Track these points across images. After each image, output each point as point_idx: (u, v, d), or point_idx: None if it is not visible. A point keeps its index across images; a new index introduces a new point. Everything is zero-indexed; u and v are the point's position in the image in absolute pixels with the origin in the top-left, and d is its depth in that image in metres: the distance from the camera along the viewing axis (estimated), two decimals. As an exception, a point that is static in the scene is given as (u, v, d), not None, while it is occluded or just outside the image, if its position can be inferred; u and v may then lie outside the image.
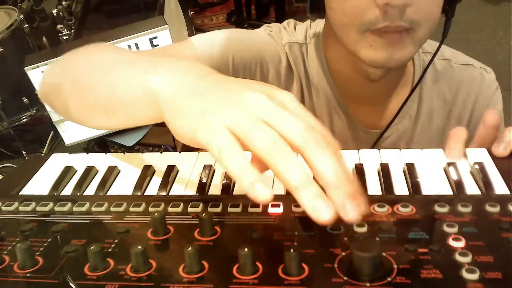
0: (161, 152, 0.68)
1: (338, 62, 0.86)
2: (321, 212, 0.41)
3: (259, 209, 0.52)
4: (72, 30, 2.22)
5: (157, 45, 1.78)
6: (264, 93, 0.47)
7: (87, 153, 0.70)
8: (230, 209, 0.53)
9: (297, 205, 0.52)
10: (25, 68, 1.70)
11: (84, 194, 0.61)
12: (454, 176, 0.57)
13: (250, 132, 0.44)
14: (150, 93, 0.53)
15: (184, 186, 0.61)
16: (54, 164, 0.67)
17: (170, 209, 0.54)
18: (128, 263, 0.45)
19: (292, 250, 0.42)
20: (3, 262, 0.48)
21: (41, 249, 0.49)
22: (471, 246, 0.44)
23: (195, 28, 3.19)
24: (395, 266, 0.43)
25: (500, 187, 0.55)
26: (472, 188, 0.55)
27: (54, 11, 2.34)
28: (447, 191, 0.55)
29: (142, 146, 2.25)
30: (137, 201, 0.56)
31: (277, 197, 0.54)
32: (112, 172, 0.63)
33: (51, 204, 0.56)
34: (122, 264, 0.46)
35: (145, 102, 0.54)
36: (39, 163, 0.68)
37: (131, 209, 0.55)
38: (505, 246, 0.44)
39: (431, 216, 0.49)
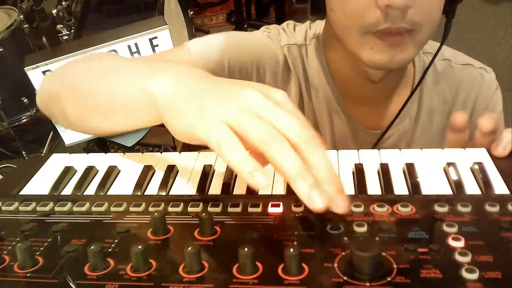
0: (161, 152, 0.68)
1: (338, 62, 0.86)
2: (315, 201, 0.45)
3: (259, 209, 0.52)
4: (72, 30, 2.22)
5: (157, 45, 1.78)
6: (260, 91, 0.49)
7: (87, 153, 0.70)
8: (230, 209, 0.53)
9: (297, 205, 0.52)
10: (25, 68, 1.70)
11: (84, 194, 0.61)
12: (453, 176, 0.57)
13: (248, 126, 0.47)
14: (150, 97, 0.55)
15: (184, 186, 0.61)
16: (54, 164, 0.67)
17: (170, 209, 0.54)
18: (128, 263, 0.46)
19: (292, 250, 0.42)
20: (3, 262, 0.48)
21: (41, 249, 0.49)
22: (471, 246, 0.44)
23: (195, 28, 3.19)
24: (395, 266, 0.43)
25: (499, 187, 0.55)
26: (471, 188, 0.55)
27: (54, 11, 2.34)
28: (447, 191, 0.56)
29: (142, 146, 2.25)
30: (137, 201, 0.56)
31: (277, 197, 0.55)
32: (112, 172, 0.63)
33: (51, 204, 0.56)
34: (122, 264, 0.46)
35: (144, 105, 0.56)
36: (39, 163, 0.68)
37: (131, 209, 0.55)
38: (505, 245, 0.44)
39: (431, 216, 0.49)
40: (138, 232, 0.51)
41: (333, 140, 0.91)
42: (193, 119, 0.50)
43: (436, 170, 0.59)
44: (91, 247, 0.45)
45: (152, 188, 0.61)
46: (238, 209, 0.53)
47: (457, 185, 0.55)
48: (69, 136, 1.84)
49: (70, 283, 0.44)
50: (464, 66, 0.92)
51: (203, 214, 0.49)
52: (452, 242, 0.45)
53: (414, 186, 0.56)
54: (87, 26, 2.35)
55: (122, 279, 0.44)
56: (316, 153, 0.47)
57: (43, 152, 2.76)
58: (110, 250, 0.48)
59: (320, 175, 0.46)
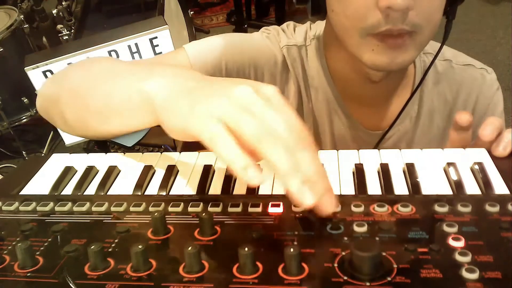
0: (161, 152, 0.68)
1: (338, 63, 0.86)
2: (305, 197, 0.46)
3: (259, 209, 0.52)
4: (72, 30, 2.23)
5: (157, 45, 1.78)
6: (251, 87, 0.50)
7: (87, 153, 0.70)
8: (230, 209, 0.53)
9: (297, 205, 0.52)
10: (25, 68, 1.70)
11: (84, 194, 0.61)
12: (454, 176, 0.57)
13: (240, 121, 0.48)
14: (146, 98, 0.56)
15: (184, 186, 0.61)
16: (54, 164, 0.67)
17: (170, 209, 0.54)
18: (128, 262, 0.46)
19: (292, 250, 0.42)
20: (3, 262, 0.48)
21: (42, 248, 0.49)
22: (471, 246, 0.44)
23: (195, 28, 3.19)
24: (395, 266, 0.43)
25: (499, 187, 0.55)
26: (472, 188, 0.55)
27: (54, 11, 2.34)
28: (447, 191, 0.56)
29: (142, 146, 2.25)
30: (137, 201, 0.56)
31: (277, 197, 0.55)
32: (112, 172, 0.63)
33: (51, 204, 0.56)
34: (122, 264, 0.46)
35: (141, 107, 0.58)
36: (39, 163, 0.68)
37: (131, 209, 0.55)
38: (505, 245, 0.44)
39: (431, 216, 0.49)
40: (138, 232, 0.51)
41: (333, 141, 0.92)
42: (187, 116, 0.51)
43: (436, 170, 0.59)
44: (91, 247, 0.45)
45: (152, 188, 0.61)
46: (238, 209, 0.53)
47: (457, 185, 0.55)
48: (69, 136, 1.84)
49: (70, 283, 0.44)
50: (465, 67, 0.92)
51: (203, 214, 0.49)
52: (452, 242, 0.45)
53: (414, 186, 0.56)
54: (87, 26, 2.35)
55: (122, 279, 0.44)
56: (305, 152, 0.47)
57: (43, 152, 2.76)
58: (110, 250, 0.48)
59: (309, 175, 0.47)
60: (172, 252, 0.48)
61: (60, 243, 0.50)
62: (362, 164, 0.61)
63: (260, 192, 0.58)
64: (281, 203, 0.53)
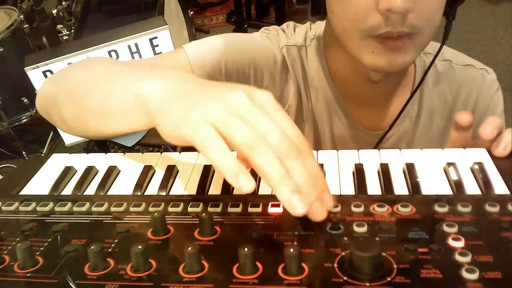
0: (161, 152, 0.68)
1: (338, 63, 0.86)
2: (296, 207, 0.46)
3: (259, 209, 0.52)
4: (72, 30, 2.23)
5: (157, 45, 1.78)
6: (246, 93, 0.50)
7: (87, 153, 0.70)
8: (230, 209, 0.53)
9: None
10: (25, 68, 1.70)
11: (84, 194, 0.61)
12: (454, 176, 0.57)
13: (232, 128, 0.48)
14: (142, 100, 0.57)
15: (184, 186, 0.61)
16: (54, 164, 0.67)
17: (170, 209, 0.54)
18: (128, 263, 0.46)
19: (292, 250, 0.42)
20: (3, 262, 0.48)
21: (41, 249, 0.49)
22: (471, 246, 0.44)
23: (195, 28, 3.19)
24: (395, 266, 0.43)
25: (499, 187, 0.55)
26: (472, 188, 0.55)
27: (54, 11, 2.34)
28: (447, 191, 0.56)
29: (142, 146, 2.25)
30: (137, 201, 0.56)
31: (277, 197, 0.55)
32: (112, 172, 0.63)
33: (51, 204, 0.56)
34: (122, 264, 0.46)
35: (137, 109, 0.58)
36: (39, 163, 0.68)
37: (131, 209, 0.55)
38: (505, 245, 0.44)
39: (431, 216, 0.49)
40: (138, 232, 0.51)
41: (333, 141, 0.91)
42: (180, 120, 0.51)
43: (436, 170, 0.59)
44: (91, 247, 0.45)
45: (152, 188, 0.61)
46: (238, 209, 0.53)
47: (457, 185, 0.55)
48: (69, 136, 1.84)
49: (70, 283, 0.44)
50: (465, 67, 0.92)
51: (203, 214, 0.49)
52: (452, 242, 0.45)
53: (414, 186, 0.56)
54: (87, 26, 2.35)
55: (122, 279, 0.44)
56: (295, 161, 0.47)
57: (43, 152, 2.76)
58: (110, 250, 0.48)
59: (298, 184, 0.47)
60: (172, 252, 0.48)
61: (60, 243, 0.50)
62: (362, 164, 0.61)
63: (260, 192, 0.58)
64: (281, 203, 0.53)
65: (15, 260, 0.47)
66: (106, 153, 0.69)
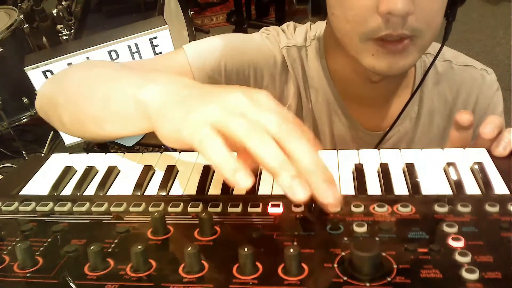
0: (161, 152, 0.68)
1: (338, 64, 0.86)
2: (297, 192, 0.45)
3: (259, 209, 0.52)
4: (72, 30, 2.23)
5: (157, 45, 1.78)
6: (243, 94, 0.51)
7: (87, 153, 0.70)
8: (230, 209, 0.53)
9: (297, 205, 0.52)
10: (25, 68, 1.70)
11: (84, 194, 0.61)
12: (453, 176, 0.57)
13: (229, 122, 0.48)
14: (141, 105, 0.57)
15: (184, 186, 0.61)
16: (54, 164, 0.67)
17: (170, 209, 0.54)
18: (128, 263, 0.46)
19: (292, 250, 0.42)
20: (3, 262, 0.48)
21: (41, 249, 0.49)
22: (471, 246, 0.44)
23: (195, 28, 3.19)
24: (395, 266, 0.43)
25: (499, 187, 0.55)
26: (471, 188, 0.55)
27: (54, 11, 2.34)
28: (447, 191, 0.56)
29: (142, 146, 2.25)
30: (137, 201, 0.56)
31: (277, 197, 0.55)
32: (112, 172, 0.63)
33: (51, 204, 0.56)
34: (122, 264, 0.46)
35: (136, 113, 0.58)
36: (39, 163, 0.68)
37: (131, 209, 0.55)
38: (505, 246, 0.44)
39: (431, 216, 0.49)
40: (138, 232, 0.51)
41: (333, 141, 0.91)
42: (179, 123, 0.51)
43: (436, 170, 0.59)
44: (91, 247, 0.45)
45: (152, 188, 0.61)
46: (238, 209, 0.53)
47: (457, 185, 0.55)
48: (69, 136, 1.84)
49: (70, 283, 0.44)
50: (465, 67, 0.92)
51: (203, 214, 0.49)
52: (452, 242, 0.45)
53: (414, 186, 0.56)
54: (87, 26, 2.35)
55: (122, 279, 0.44)
56: (299, 144, 0.47)
57: (43, 152, 2.76)
58: (110, 250, 0.48)
59: (305, 166, 0.46)
60: (172, 252, 0.48)
61: (60, 243, 0.50)
62: (362, 164, 0.61)
63: (260, 192, 0.58)
64: (281, 203, 0.53)
65: (15, 260, 0.47)
66: (106, 153, 0.69)
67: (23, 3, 2.73)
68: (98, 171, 0.65)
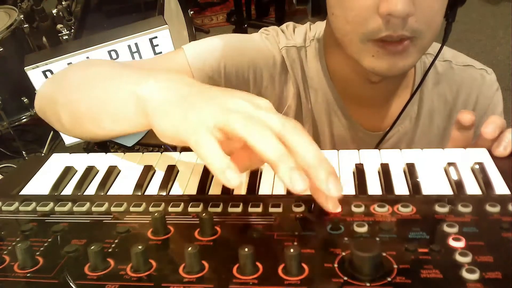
0: (161, 152, 0.68)
1: (338, 64, 0.86)
2: (297, 184, 0.45)
3: (259, 209, 0.52)
4: (72, 30, 2.23)
5: (157, 45, 1.78)
6: (243, 98, 0.51)
7: (87, 153, 0.70)
8: (230, 209, 0.53)
9: (297, 205, 0.52)
10: (25, 68, 1.70)
11: (84, 194, 0.61)
12: (454, 176, 0.57)
13: (229, 119, 0.48)
14: (140, 102, 0.57)
15: (184, 186, 0.61)
16: (54, 164, 0.67)
17: (170, 209, 0.54)
18: (128, 263, 0.46)
19: (292, 250, 0.42)
20: (3, 262, 0.48)
21: (41, 249, 0.49)
22: (471, 246, 0.44)
23: (195, 28, 3.19)
24: (395, 266, 0.43)
25: (500, 187, 0.55)
26: (472, 188, 0.55)
27: (54, 11, 2.34)
28: (447, 191, 0.55)
29: (142, 146, 2.25)
30: (137, 201, 0.56)
31: (277, 197, 0.55)
32: (112, 172, 0.63)
33: (51, 204, 0.56)
34: (122, 264, 0.46)
35: (134, 110, 0.58)
36: (39, 163, 0.68)
37: (131, 209, 0.55)
38: (505, 246, 0.44)
39: (431, 216, 0.49)
40: (138, 232, 0.51)
41: (333, 142, 0.91)
42: (178, 121, 0.52)
43: (436, 170, 0.59)
44: (91, 247, 0.45)
45: (153, 188, 0.61)
46: (238, 209, 0.53)
47: (458, 185, 0.55)
48: (69, 136, 1.84)
49: (70, 283, 0.44)
50: (465, 67, 0.92)
51: (203, 214, 0.49)
52: (452, 243, 0.45)
53: (414, 186, 0.56)
54: (87, 26, 2.35)
55: (122, 279, 0.44)
56: (302, 139, 0.47)
57: (43, 152, 2.76)
58: (110, 250, 0.48)
59: (308, 160, 0.47)
60: (172, 252, 0.48)
61: (60, 243, 0.50)
62: (362, 164, 0.61)
63: (260, 192, 0.58)
64: (281, 203, 0.53)
65: (15, 260, 0.47)
66: (106, 153, 0.69)
67: (23, 3, 2.72)
68: (98, 171, 0.65)
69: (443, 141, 0.92)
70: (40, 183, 0.64)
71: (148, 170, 0.63)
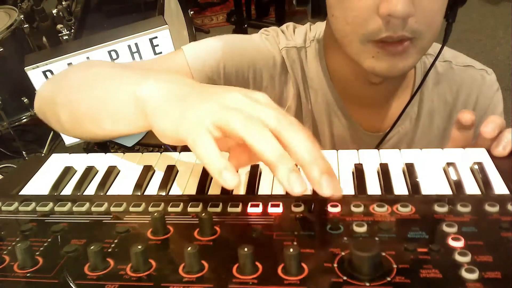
0: (161, 152, 0.68)
1: (338, 65, 0.86)
2: (295, 186, 0.45)
3: (259, 209, 0.52)
4: (72, 30, 2.23)
5: (157, 45, 1.78)
6: (240, 93, 0.51)
7: (87, 153, 0.70)
8: (230, 209, 0.53)
9: (297, 205, 0.52)
10: (25, 68, 1.70)
11: (84, 194, 0.61)
12: (453, 176, 0.57)
13: (227, 117, 0.48)
14: (139, 102, 0.57)
15: (184, 186, 0.61)
16: (54, 164, 0.67)
17: (170, 209, 0.54)
18: (128, 263, 0.46)
19: (292, 250, 0.42)
20: (3, 262, 0.48)
21: (41, 249, 0.49)
22: (471, 246, 0.44)
23: (195, 28, 3.19)
24: (395, 266, 0.43)
25: (499, 187, 0.55)
26: (471, 188, 0.55)
27: (54, 11, 2.34)
28: (447, 191, 0.56)
29: (142, 146, 2.25)
30: (137, 201, 0.56)
31: (277, 197, 0.55)
32: (112, 172, 0.63)
33: (51, 204, 0.56)
34: (122, 264, 0.46)
35: (134, 110, 0.58)
36: (39, 163, 0.68)
37: (131, 209, 0.55)
38: (505, 245, 0.44)
39: (430, 216, 0.49)
40: (138, 232, 0.51)
41: (333, 142, 0.91)
42: (177, 120, 0.52)
43: (436, 170, 0.59)
44: (91, 247, 0.45)
45: (152, 188, 0.61)
46: (238, 209, 0.53)
47: (457, 185, 0.55)
48: (69, 137, 1.84)
49: (70, 283, 0.44)
50: (465, 68, 0.92)
51: (203, 214, 0.49)
52: (452, 242, 0.45)
53: (414, 186, 0.56)
54: (87, 26, 2.35)
55: (122, 279, 0.44)
56: (297, 136, 0.47)
57: (43, 152, 2.76)
58: (110, 250, 0.48)
59: (302, 157, 0.47)
60: (172, 252, 0.48)
61: (60, 243, 0.50)
62: (361, 164, 0.61)
63: (260, 192, 0.58)
64: (281, 203, 0.53)
65: (15, 260, 0.47)
66: (106, 153, 0.69)
67: (23, 3, 2.72)
68: (98, 171, 0.65)
69: (443, 142, 0.93)
70: (40, 183, 0.64)
71: (147, 170, 0.63)
